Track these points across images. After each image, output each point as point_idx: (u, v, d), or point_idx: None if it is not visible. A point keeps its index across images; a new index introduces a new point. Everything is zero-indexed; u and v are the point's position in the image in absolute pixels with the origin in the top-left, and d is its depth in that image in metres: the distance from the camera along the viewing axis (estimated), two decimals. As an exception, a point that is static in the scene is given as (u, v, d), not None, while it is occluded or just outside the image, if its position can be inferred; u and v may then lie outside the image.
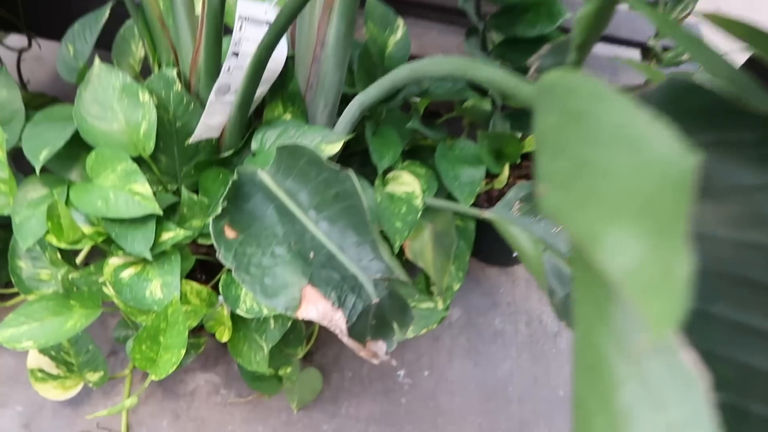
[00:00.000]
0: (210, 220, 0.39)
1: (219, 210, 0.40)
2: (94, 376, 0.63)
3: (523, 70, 0.67)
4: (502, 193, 0.88)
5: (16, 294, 0.59)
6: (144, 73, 0.76)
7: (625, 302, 0.16)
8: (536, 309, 0.95)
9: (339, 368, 0.82)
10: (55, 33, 0.95)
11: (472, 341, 0.90)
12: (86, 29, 0.70)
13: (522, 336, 0.92)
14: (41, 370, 0.62)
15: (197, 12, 0.59)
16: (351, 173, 0.40)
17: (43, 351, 0.62)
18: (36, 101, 0.85)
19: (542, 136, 0.22)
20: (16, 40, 0.95)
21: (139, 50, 0.75)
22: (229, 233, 0.41)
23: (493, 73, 0.31)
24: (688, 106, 0.25)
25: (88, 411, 0.72)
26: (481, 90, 0.78)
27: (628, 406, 0.17)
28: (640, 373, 0.17)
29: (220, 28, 0.51)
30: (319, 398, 0.78)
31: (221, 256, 0.39)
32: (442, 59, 0.35)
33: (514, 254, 0.94)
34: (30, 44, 0.93)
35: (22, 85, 0.96)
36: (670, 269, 0.13)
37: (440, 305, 0.68)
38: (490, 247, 0.95)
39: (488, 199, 0.90)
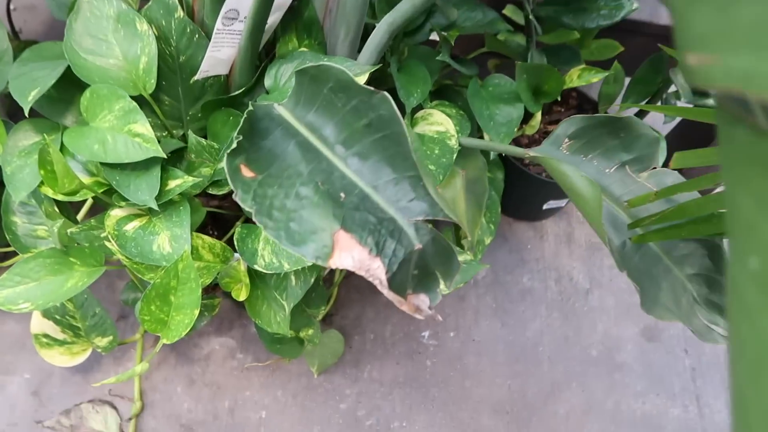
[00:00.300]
0: (224, 157, 0.33)
1: (234, 145, 0.34)
2: (102, 341, 0.59)
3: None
4: (533, 140, 0.82)
5: (15, 253, 0.54)
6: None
7: None
8: (566, 265, 0.89)
9: (360, 330, 0.77)
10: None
11: (499, 300, 0.85)
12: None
13: (552, 294, 0.87)
14: (46, 335, 0.58)
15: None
16: (387, 95, 0.33)
17: (47, 315, 0.57)
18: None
19: None
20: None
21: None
22: (246, 173, 0.35)
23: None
24: None
25: (99, 378, 0.68)
26: (513, 23, 0.70)
27: None
28: None
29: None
30: (341, 362, 0.74)
31: (239, 198, 0.33)
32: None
33: (544, 207, 0.88)
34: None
35: (14, 34, 0.89)
36: None
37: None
38: (517, 201, 0.89)
39: (516, 146, 0.83)
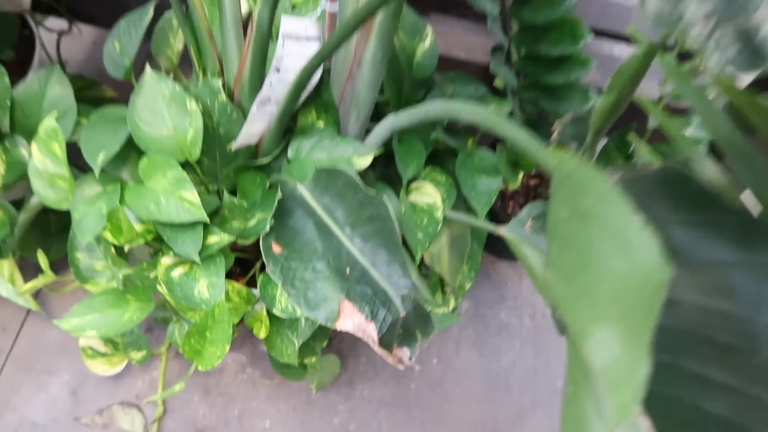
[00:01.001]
0: (260, 237, 0.44)
1: (267, 228, 0.45)
2: (137, 355, 0.70)
3: (543, 87, 0.71)
4: (515, 192, 0.93)
5: (72, 281, 0.65)
6: (182, 65, 0.80)
7: (599, 388, 0.21)
8: (541, 303, 1.00)
9: (355, 354, 0.88)
10: (91, 17, 0.99)
11: (478, 332, 0.96)
12: (131, 27, 0.74)
13: (526, 329, 0.98)
14: (91, 348, 0.69)
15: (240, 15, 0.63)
16: (385, 199, 0.44)
17: (92, 330, 0.68)
18: (76, 84, 0.89)
19: (555, 225, 0.27)
20: (55, 22, 0.98)
21: (177, 42, 0.79)
22: (276, 248, 0.46)
23: (517, 134, 0.35)
24: (681, 190, 0.29)
25: (128, 383, 0.79)
26: (501, 93, 0.81)
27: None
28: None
29: (266, 48, 0.55)
30: (336, 381, 0.85)
31: (270, 270, 0.44)
32: (474, 108, 0.40)
33: (524, 251, 0.98)
34: (70, 28, 0.97)
35: (61, 66, 1.00)
36: (634, 371, 0.18)
37: (451, 303, 0.73)
38: (500, 243, 1.00)
39: (502, 197, 0.94)
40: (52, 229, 0.75)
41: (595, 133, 0.34)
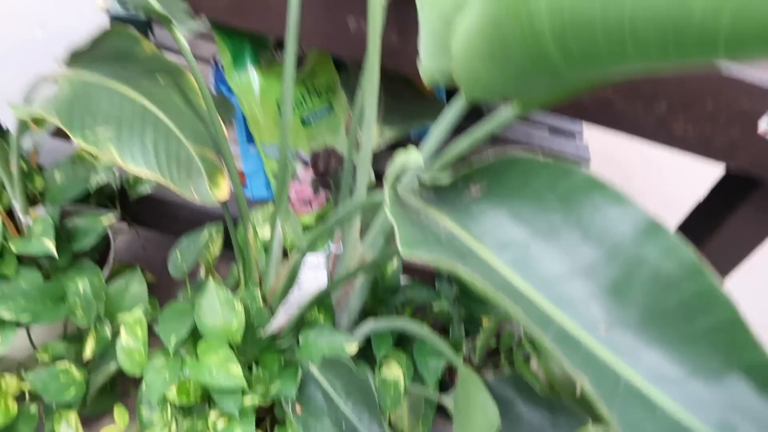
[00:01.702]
0: (288, 403, 0.71)
1: (294, 395, 0.73)
2: (164, 494, 0.90)
3: (472, 297, 1.04)
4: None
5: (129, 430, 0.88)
6: (218, 268, 1.11)
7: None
8: (483, 460, 1.23)
9: (331, 500, 1.08)
10: (139, 220, 1.32)
11: (432, 484, 1.17)
12: (190, 243, 1.06)
13: (471, 482, 1.19)
14: (130, 486, 0.88)
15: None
16: (369, 378, 0.73)
17: (134, 472, 0.89)
18: (124, 269, 1.18)
19: (455, 402, 0.57)
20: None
21: (214, 249, 1.11)
22: (298, 409, 0.73)
23: (442, 347, 0.66)
24: (518, 384, 0.60)
25: None
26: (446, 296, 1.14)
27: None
28: None
29: (295, 275, 0.88)
30: None
31: (294, 423, 0.70)
32: (418, 328, 0.71)
33: (467, 415, 1.24)
34: (129, 228, 1.29)
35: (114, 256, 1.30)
36: None
37: (410, 454, 0.98)
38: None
39: (450, 371, 1.23)
40: (108, 388, 0.99)
41: (481, 348, 0.65)
